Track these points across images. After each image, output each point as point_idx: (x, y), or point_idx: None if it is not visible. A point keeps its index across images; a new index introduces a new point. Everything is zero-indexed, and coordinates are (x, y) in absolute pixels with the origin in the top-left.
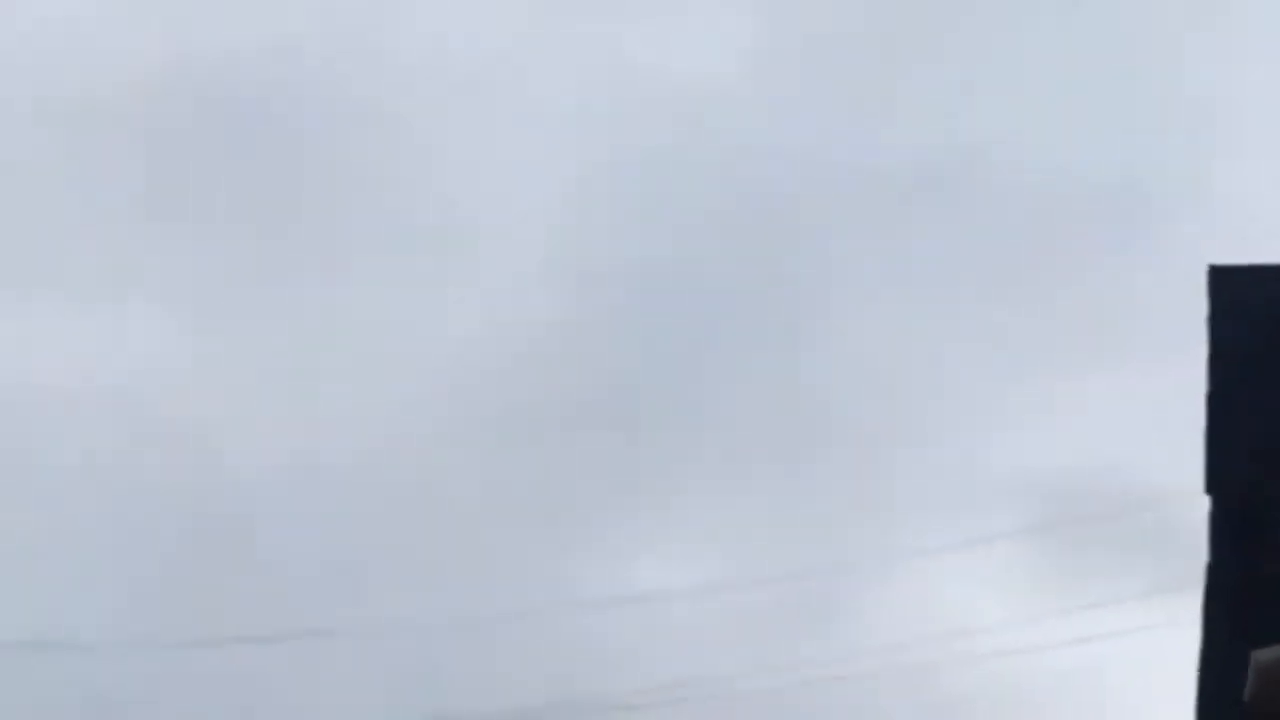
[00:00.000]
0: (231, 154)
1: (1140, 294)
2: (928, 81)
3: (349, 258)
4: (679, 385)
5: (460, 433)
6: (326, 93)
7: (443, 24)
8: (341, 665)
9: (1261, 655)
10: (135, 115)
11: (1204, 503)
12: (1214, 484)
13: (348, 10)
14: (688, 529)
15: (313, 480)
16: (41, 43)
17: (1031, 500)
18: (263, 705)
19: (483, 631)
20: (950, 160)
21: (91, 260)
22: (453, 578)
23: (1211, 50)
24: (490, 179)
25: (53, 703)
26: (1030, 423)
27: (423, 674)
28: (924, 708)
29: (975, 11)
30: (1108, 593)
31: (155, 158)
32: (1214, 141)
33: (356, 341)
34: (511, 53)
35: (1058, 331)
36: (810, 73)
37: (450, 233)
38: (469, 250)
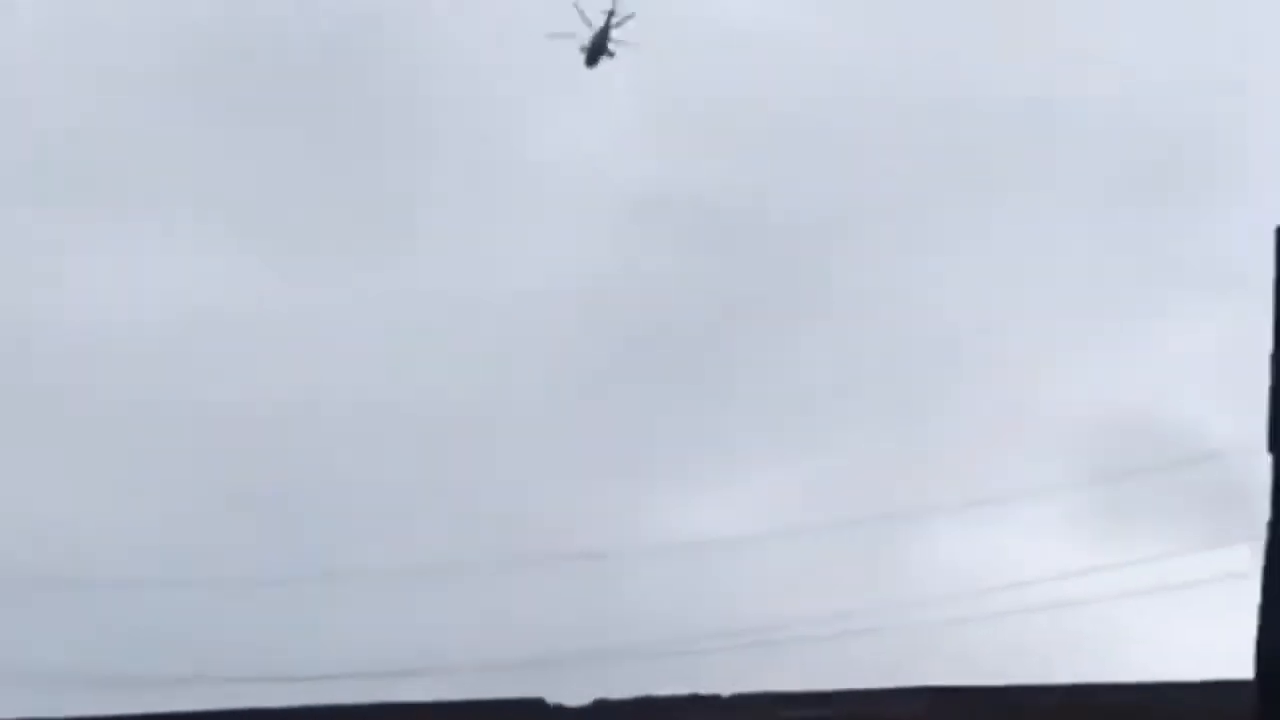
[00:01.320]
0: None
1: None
2: None
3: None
4: (738, 339)
5: (525, 385)
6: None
7: None
8: (388, 605)
9: None
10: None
11: (1266, 461)
12: (1276, 443)
13: None
14: (752, 480)
15: (391, 421)
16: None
17: (1091, 450)
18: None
19: (546, 575)
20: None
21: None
22: (508, 523)
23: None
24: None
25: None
26: (1090, 369)
27: (491, 614)
28: (986, 656)
29: None
30: (1167, 545)
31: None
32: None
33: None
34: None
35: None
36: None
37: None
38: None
